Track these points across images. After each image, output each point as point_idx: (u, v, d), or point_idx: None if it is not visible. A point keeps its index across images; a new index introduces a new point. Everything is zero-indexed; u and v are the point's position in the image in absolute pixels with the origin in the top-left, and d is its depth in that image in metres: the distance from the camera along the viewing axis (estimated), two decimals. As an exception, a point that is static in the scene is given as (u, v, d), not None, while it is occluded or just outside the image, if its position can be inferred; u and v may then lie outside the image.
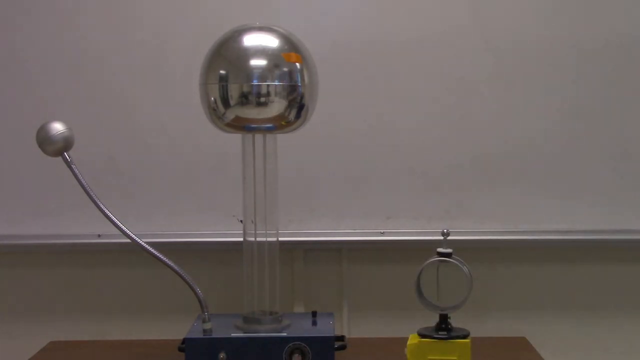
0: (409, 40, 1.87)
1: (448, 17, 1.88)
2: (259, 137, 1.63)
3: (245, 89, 1.54)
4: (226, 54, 1.56)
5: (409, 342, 1.51)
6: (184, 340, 1.59)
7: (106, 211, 1.58)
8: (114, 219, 1.59)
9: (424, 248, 1.64)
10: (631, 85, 1.89)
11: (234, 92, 1.54)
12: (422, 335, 1.51)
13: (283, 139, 1.67)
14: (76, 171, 1.58)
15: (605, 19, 1.87)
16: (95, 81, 1.88)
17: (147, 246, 1.61)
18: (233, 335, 1.59)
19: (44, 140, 1.55)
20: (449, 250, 1.52)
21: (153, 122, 1.89)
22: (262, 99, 1.54)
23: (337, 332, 1.71)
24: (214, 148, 1.86)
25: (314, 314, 1.72)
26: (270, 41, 1.57)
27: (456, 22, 1.88)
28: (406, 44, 1.87)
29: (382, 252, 1.95)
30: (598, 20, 1.88)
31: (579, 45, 1.88)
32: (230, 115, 1.56)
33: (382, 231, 1.90)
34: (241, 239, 1.67)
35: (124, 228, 1.60)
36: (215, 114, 1.58)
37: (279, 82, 1.54)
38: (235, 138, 1.66)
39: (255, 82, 1.54)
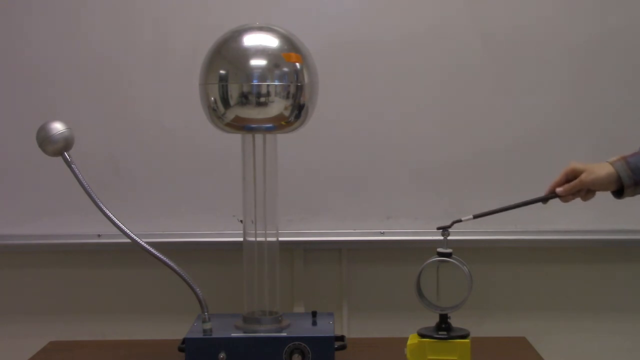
0: (409, 40, 1.87)
1: (446, 16, 1.87)
2: (259, 137, 1.63)
3: (245, 89, 1.54)
4: (226, 54, 1.56)
5: (409, 342, 1.51)
6: (184, 340, 1.59)
7: (106, 211, 1.58)
8: (114, 219, 1.59)
9: (424, 248, 1.64)
10: (630, 83, 1.89)
11: (233, 92, 1.54)
12: (422, 335, 1.50)
13: (283, 139, 1.67)
14: (76, 171, 1.57)
15: (603, 17, 1.88)
16: (95, 81, 1.88)
17: (147, 246, 1.61)
18: (233, 335, 1.59)
19: (44, 140, 1.54)
20: (449, 250, 1.52)
21: (153, 122, 1.89)
22: (262, 99, 1.54)
23: (337, 332, 1.71)
24: (214, 148, 1.86)
25: (314, 314, 1.72)
26: (270, 41, 1.56)
27: (455, 21, 1.88)
28: (406, 43, 1.88)
29: (382, 252, 1.95)
30: (596, 18, 1.88)
31: (578, 44, 1.88)
32: (230, 115, 1.56)
33: (382, 231, 1.90)
34: (241, 239, 1.67)
35: (124, 228, 1.60)
36: (215, 114, 1.57)
37: (279, 82, 1.54)
38: (235, 138, 1.66)
39: (255, 82, 1.53)
